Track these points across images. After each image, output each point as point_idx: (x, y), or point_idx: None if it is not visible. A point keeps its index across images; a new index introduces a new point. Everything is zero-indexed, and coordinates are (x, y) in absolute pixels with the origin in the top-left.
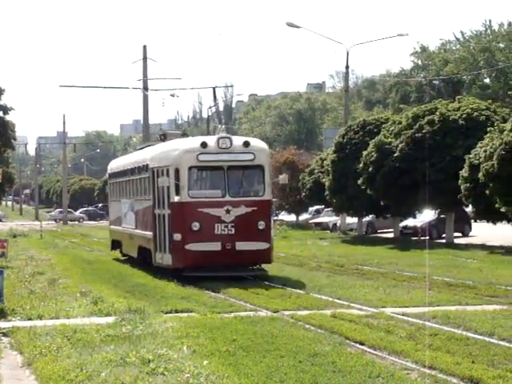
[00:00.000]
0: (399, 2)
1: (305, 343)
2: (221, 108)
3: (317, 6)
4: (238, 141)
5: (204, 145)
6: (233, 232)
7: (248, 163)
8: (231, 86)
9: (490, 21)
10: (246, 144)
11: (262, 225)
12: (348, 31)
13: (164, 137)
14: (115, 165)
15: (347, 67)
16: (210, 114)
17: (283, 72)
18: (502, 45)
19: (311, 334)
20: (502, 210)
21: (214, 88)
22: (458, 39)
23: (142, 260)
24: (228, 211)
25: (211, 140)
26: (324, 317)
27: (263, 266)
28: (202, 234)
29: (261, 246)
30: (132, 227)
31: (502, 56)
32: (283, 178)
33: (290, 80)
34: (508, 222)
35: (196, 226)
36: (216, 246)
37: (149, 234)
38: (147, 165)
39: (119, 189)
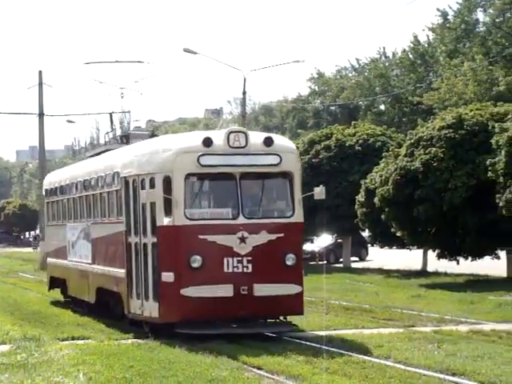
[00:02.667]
0: (295, 29)
1: (202, 368)
2: (118, 134)
3: (214, 33)
4: (256, 137)
5: (208, 142)
6: (250, 270)
7: (271, 169)
8: (128, 112)
9: (384, 48)
10: (269, 142)
11: (291, 259)
12: (245, 57)
13: (126, 139)
14: (56, 178)
15: (244, 93)
16: (107, 139)
17: (181, 98)
18: (396, 71)
19: (209, 360)
20: (398, 234)
21: (110, 114)
22: (353, 66)
23: (103, 307)
24: (243, 239)
25: (218, 136)
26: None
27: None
28: (205, 273)
29: (289, 289)
30: (86, 261)
31: (396, 82)
32: (319, 190)
33: (187, 106)
34: (403, 246)
35: (197, 260)
36: (226, 291)
37: (117, 271)
38: (116, 173)
39: (63, 209)
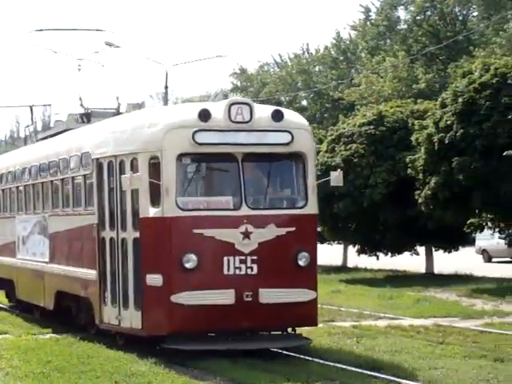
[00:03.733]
0: (218, 24)
1: (121, 363)
2: (39, 127)
3: (135, 27)
4: (263, 111)
5: (205, 116)
6: (255, 271)
7: (281, 149)
8: (49, 105)
9: (307, 44)
10: (278, 116)
11: (304, 258)
12: (167, 52)
13: (87, 118)
14: (4, 163)
15: (166, 87)
16: (27, 133)
17: (103, 91)
18: (319, 67)
19: (127, 355)
20: (318, 229)
21: (31, 107)
22: (276, 62)
23: (62, 313)
24: (247, 234)
25: (217, 108)
26: None
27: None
28: (201, 276)
29: (302, 295)
30: (41, 260)
31: (319, 78)
32: (337, 176)
33: (109, 99)
34: (324, 241)
35: (191, 260)
36: (226, 297)
37: (86, 272)
38: (85, 155)
39: (10, 199)
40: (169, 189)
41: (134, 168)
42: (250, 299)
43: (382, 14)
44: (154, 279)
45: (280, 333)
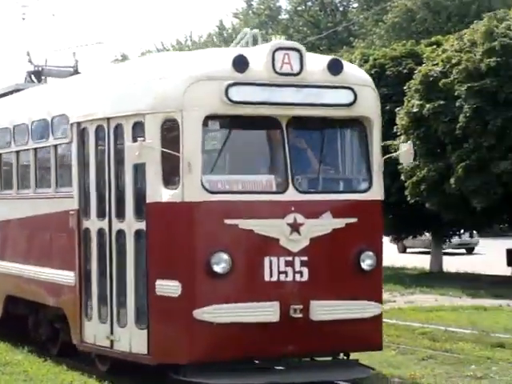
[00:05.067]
0: (98, 10)
1: None
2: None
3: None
4: (316, 60)
5: (242, 64)
6: (305, 277)
7: (340, 113)
8: None
9: (191, 32)
10: (337, 67)
11: (368, 260)
12: (46, 38)
13: (38, 76)
14: None
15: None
16: None
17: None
18: None
19: (3, 344)
20: None
21: None
22: (158, 49)
23: (13, 324)
24: (296, 227)
25: (256, 55)
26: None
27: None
28: (235, 283)
29: (365, 310)
30: None
31: None
32: (407, 150)
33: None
34: None
35: (222, 261)
36: (269, 312)
37: (57, 274)
38: (59, 119)
39: None
40: (192, 163)
41: (136, 135)
42: (299, 315)
43: (264, 4)
44: (169, 287)
45: (330, 358)
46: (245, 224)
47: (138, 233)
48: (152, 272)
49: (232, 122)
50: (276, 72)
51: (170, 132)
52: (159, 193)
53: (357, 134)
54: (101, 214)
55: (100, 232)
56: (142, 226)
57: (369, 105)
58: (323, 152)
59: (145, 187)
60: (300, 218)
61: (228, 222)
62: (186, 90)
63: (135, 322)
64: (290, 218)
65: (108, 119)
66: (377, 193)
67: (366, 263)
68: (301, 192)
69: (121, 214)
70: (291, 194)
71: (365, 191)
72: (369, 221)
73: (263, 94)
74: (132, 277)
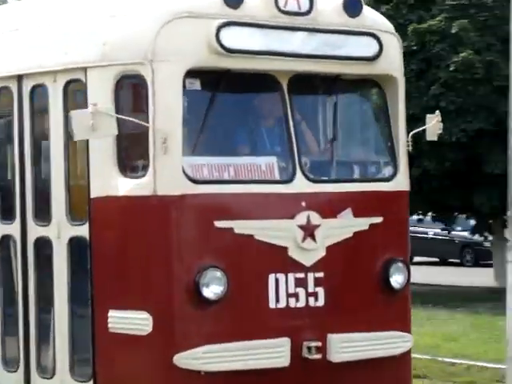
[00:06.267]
0: None
1: None
2: None
3: None
4: None
5: None
6: (321, 302)
7: (361, 69)
8: None
9: None
10: (355, 7)
11: (400, 275)
12: None
13: None
14: None
15: None
16: None
17: None
18: None
19: None
20: None
21: None
22: None
23: None
24: (309, 230)
25: None
26: None
27: None
28: (231, 314)
29: (397, 344)
30: None
31: None
32: (436, 121)
33: None
34: None
35: (215, 280)
36: (277, 354)
37: None
38: None
39: None
40: (169, 140)
41: (69, 100)
42: (315, 356)
43: None
44: (131, 322)
45: None
46: (242, 227)
47: (74, 241)
48: (100, 298)
49: (221, 81)
50: (279, 9)
51: (131, 95)
52: (113, 183)
53: (379, 101)
54: (5, 216)
55: (4, 241)
56: (82, 231)
57: (394, 59)
58: (337, 125)
59: (86, 175)
60: (315, 218)
61: (220, 224)
62: (159, 32)
63: (70, 370)
64: (301, 218)
65: (19, 77)
66: (403, 181)
67: (397, 279)
68: (312, 181)
69: (42, 215)
70: (300, 184)
71: (389, 179)
72: (395, 220)
73: (264, 40)
74: (64, 305)
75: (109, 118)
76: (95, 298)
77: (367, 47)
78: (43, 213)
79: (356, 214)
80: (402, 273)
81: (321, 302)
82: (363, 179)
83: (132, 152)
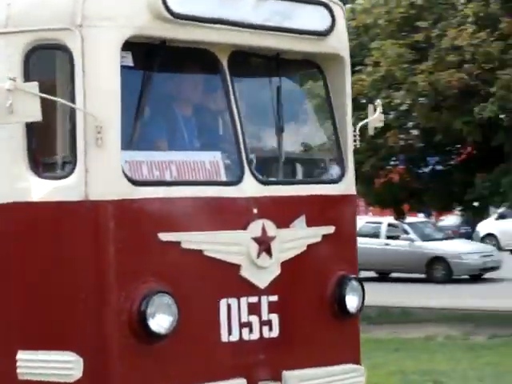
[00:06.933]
0: None
1: None
2: None
3: None
4: None
5: None
6: (276, 332)
7: (313, 46)
8: None
9: None
10: None
11: (355, 295)
12: None
13: None
14: None
15: None
16: None
17: None
18: None
19: None
20: None
21: None
22: None
23: None
24: (265, 243)
25: None
26: None
27: None
28: (178, 352)
29: (351, 377)
30: None
31: None
32: (378, 115)
33: None
34: None
35: (165, 310)
36: None
37: None
38: None
39: None
40: (105, 128)
41: None
42: None
43: None
44: (52, 366)
45: None
46: (190, 241)
47: None
48: (3, 336)
49: (163, 55)
50: None
51: (48, 71)
52: (22, 186)
53: (323, 87)
54: None
55: None
56: None
57: (343, 36)
58: (282, 115)
59: None
60: (270, 228)
61: (165, 237)
62: None
63: None
64: (255, 229)
65: None
66: (352, 184)
67: (352, 301)
68: (261, 182)
69: None
70: (250, 187)
71: (337, 181)
72: (345, 230)
73: (212, 6)
74: None
75: (32, 97)
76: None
77: (320, 19)
78: None
79: (308, 223)
80: (356, 293)
81: (275, 332)
82: (312, 181)
83: (48, 145)
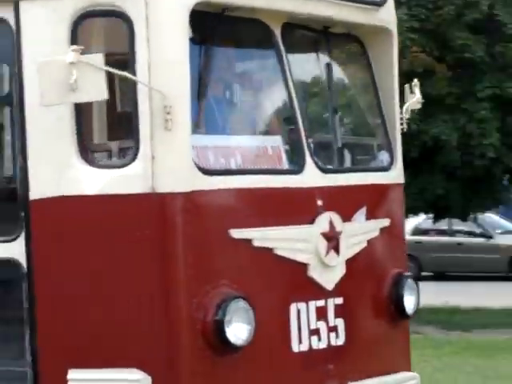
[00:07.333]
0: None
1: None
2: None
3: None
4: None
5: None
6: (342, 339)
7: (367, 17)
8: None
9: None
10: None
11: (412, 295)
12: None
13: None
14: None
15: None
16: None
17: None
18: None
19: None
20: None
21: None
22: None
23: None
24: (333, 240)
25: None
26: None
27: None
28: (254, 366)
29: None
30: None
31: None
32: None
33: None
34: None
35: (243, 319)
36: None
37: None
38: None
39: None
40: (175, 109)
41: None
42: None
43: None
44: None
45: None
46: (262, 238)
47: None
48: (50, 353)
49: (221, 26)
50: None
51: (102, 41)
52: (72, 176)
53: (369, 64)
54: None
55: None
56: (9, 251)
57: (392, 10)
58: (335, 94)
59: (20, 166)
60: (337, 222)
61: (237, 234)
62: None
63: None
64: (323, 223)
65: None
66: (401, 171)
67: (409, 302)
68: (323, 170)
69: None
70: (312, 175)
71: (387, 168)
72: (397, 222)
73: None
74: None
75: (97, 72)
76: (40, 354)
77: None
78: None
79: (368, 215)
80: (413, 293)
81: (341, 340)
82: (367, 168)
83: (102, 128)
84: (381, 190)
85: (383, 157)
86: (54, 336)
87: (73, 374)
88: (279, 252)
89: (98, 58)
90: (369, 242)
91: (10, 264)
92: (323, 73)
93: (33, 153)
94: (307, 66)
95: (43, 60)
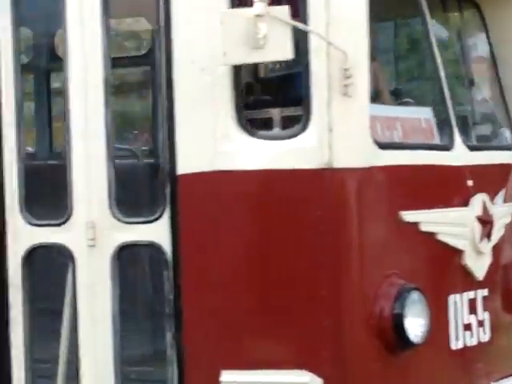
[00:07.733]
0: None
1: None
2: None
3: None
4: None
5: None
6: (487, 334)
7: None
8: None
9: None
10: None
11: None
12: None
13: None
14: None
15: None
16: None
17: None
18: None
19: None
20: None
21: None
22: None
23: None
24: (488, 225)
25: None
26: None
27: None
28: (421, 364)
29: None
30: None
31: None
32: None
33: None
34: None
35: (419, 313)
36: None
37: None
38: None
39: None
40: (355, 71)
41: None
42: None
43: None
44: None
45: None
46: (428, 222)
47: (129, 253)
48: (198, 353)
49: None
50: None
51: None
52: (233, 147)
53: (489, 35)
54: None
55: None
56: (151, 234)
57: None
58: (470, 64)
59: (164, 135)
60: (489, 205)
61: (408, 217)
62: None
63: None
64: (477, 205)
65: None
66: None
67: None
68: (470, 148)
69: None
70: (462, 151)
71: (510, 147)
72: None
73: None
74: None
75: (284, 27)
76: (188, 354)
77: None
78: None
79: (505, 198)
80: None
81: (487, 335)
82: (502, 146)
83: (261, 94)
84: (508, 170)
85: (507, 134)
86: (204, 333)
87: (226, 376)
88: (441, 237)
89: (285, 11)
90: (505, 226)
91: (151, 248)
92: (457, 42)
93: (182, 121)
94: (445, 35)
95: (226, 11)
